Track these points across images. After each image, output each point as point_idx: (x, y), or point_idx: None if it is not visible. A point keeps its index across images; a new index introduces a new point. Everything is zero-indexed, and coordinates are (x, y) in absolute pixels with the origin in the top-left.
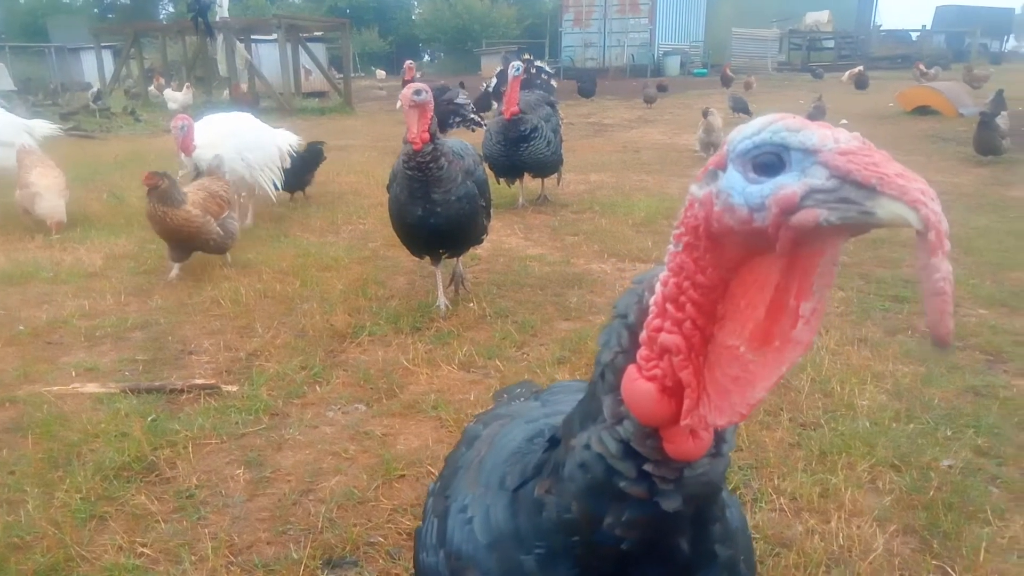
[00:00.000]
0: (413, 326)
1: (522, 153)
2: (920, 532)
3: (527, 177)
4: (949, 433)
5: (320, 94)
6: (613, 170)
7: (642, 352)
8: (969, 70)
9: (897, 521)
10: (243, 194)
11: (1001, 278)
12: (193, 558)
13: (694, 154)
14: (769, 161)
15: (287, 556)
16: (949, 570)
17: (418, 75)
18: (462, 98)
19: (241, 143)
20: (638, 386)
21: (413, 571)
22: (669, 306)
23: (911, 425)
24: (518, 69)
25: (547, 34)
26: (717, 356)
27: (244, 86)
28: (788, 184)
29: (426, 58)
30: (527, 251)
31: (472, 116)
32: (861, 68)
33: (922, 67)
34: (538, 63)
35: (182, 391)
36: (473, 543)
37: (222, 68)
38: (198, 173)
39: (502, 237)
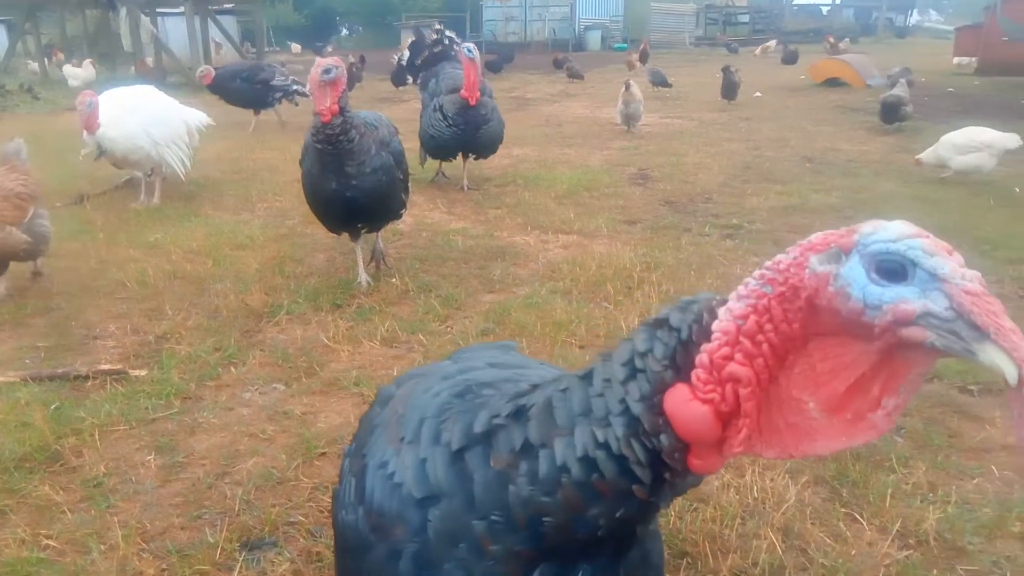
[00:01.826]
0: (333, 303)
1: (480, 136)
2: (830, 482)
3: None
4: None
5: None
6: (536, 144)
7: (700, 375)
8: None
9: (808, 473)
10: (149, 172)
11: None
12: (102, 547)
13: (615, 127)
14: (895, 269)
15: (203, 540)
16: (857, 516)
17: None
18: (279, 79)
19: (145, 118)
20: (692, 407)
21: (334, 536)
22: (745, 340)
23: None
24: (471, 51)
25: (468, 8)
26: (778, 399)
27: (150, 61)
28: (910, 300)
29: (344, 32)
30: (450, 225)
31: (294, 89)
32: (774, 42)
33: (832, 40)
34: (449, 33)
35: (87, 377)
36: (399, 499)
37: (126, 43)
38: (101, 153)
39: (425, 212)
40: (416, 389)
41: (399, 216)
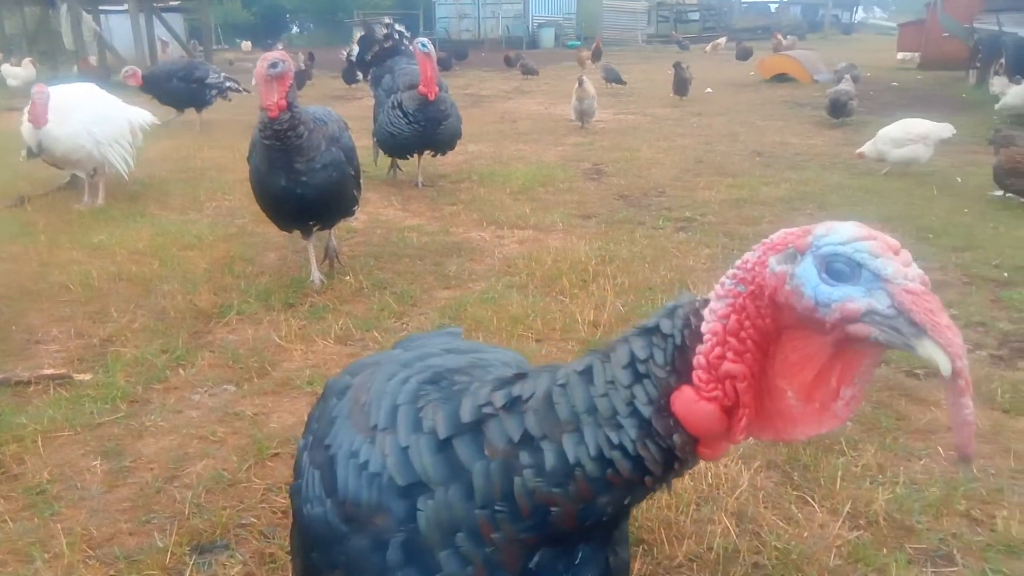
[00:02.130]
0: (285, 302)
1: (440, 133)
2: (782, 466)
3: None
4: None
5: None
6: (491, 140)
7: (701, 376)
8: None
9: (761, 458)
10: (92, 172)
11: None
12: (47, 555)
13: (569, 123)
14: (843, 270)
15: (151, 545)
16: (809, 499)
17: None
18: (212, 77)
19: (87, 116)
20: (700, 407)
21: (291, 535)
22: (731, 339)
23: None
24: (425, 45)
25: (421, 5)
26: (767, 387)
27: (93, 60)
28: (855, 299)
29: (295, 30)
30: (405, 222)
31: (228, 85)
32: (724, 39)
33: (780, 37)
34: (399, 27)
35: (29, 383)
36: (379, 488)
37: (68, 41)
38: (38, 152)
39: (379, 209)
40: (376, 377)
41: (351, 213)
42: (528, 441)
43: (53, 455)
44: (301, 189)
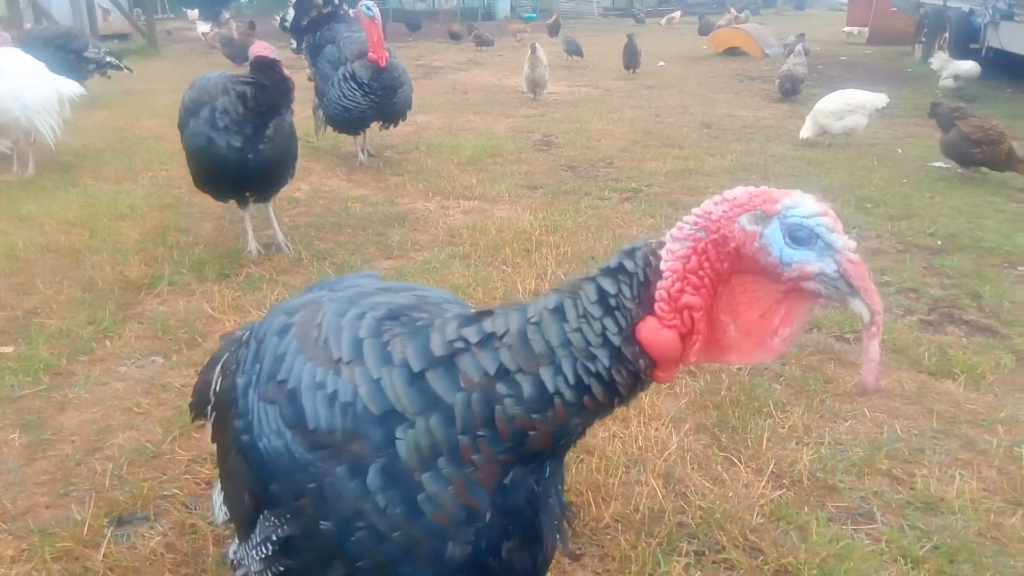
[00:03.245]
0: (220, 273)
1: (396, 101)
2: (711, 429)
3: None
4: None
5: (123, 36)
6: (441, 111)
7: (663, 307)
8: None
9: (691, 421)
10: (19, 140)
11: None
12: None
13: (522, 95)
14: (804, 236)
15: (68, 518)
16: (735, 460)
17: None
18: (92, 51)
19: (15, 82)
20: (663, 334)
21: (232, 480)
22: (691, 276)
23: None
24: (370, 8)
25: None
26: (711, 320)
27: (28, 26)
28: (812, 262)
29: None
30: (349, 192)
31: (108, 61)
32: (679, 13)
33: (733, 11)
34: None
35: None
36: (354, 416)
37: (1, 6)
38: None
39: (323, 179)
40: (325, 314)
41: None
42: (504, 374)
43: None
44: (257, 156)
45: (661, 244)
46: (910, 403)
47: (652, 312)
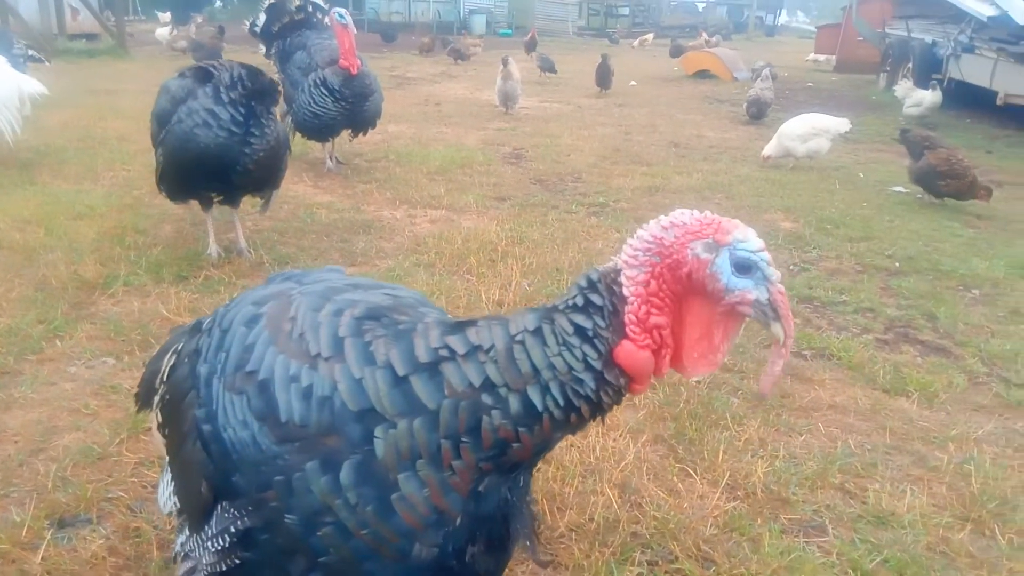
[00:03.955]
0: (178, 275)
1: (367, 108)
2: (668, 440)
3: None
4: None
5: (92, 36)
6: (412, 121)
7: (635, 330)
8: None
9: (649, 432)
10: None
11: (755, 219)
12: None
13: (494, 108)
14: (746, 266)
15: (6, 520)
16: (691, 471)
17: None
18: (17, 48)
19: None
20: (640, 355)
21: (179, 478)
22: (653, 298)
23: None
24: (343, 16)
25: None
26: (674, 337)
27: None
28: (751, 290)
29: (218, 3)
30: (315, 198)
31: (30, 54)
32: (652, 35)
33: (705, 36)
34: None
35: None
36: (331, 412)
37: None
38: None
39: (289, 184)
40: (299, 308)
41: (277, 186)
42: (490, 387)
43: None
44: (251, 149)
45: (617, 271)
46: (864, 419)
47: (625, 335)
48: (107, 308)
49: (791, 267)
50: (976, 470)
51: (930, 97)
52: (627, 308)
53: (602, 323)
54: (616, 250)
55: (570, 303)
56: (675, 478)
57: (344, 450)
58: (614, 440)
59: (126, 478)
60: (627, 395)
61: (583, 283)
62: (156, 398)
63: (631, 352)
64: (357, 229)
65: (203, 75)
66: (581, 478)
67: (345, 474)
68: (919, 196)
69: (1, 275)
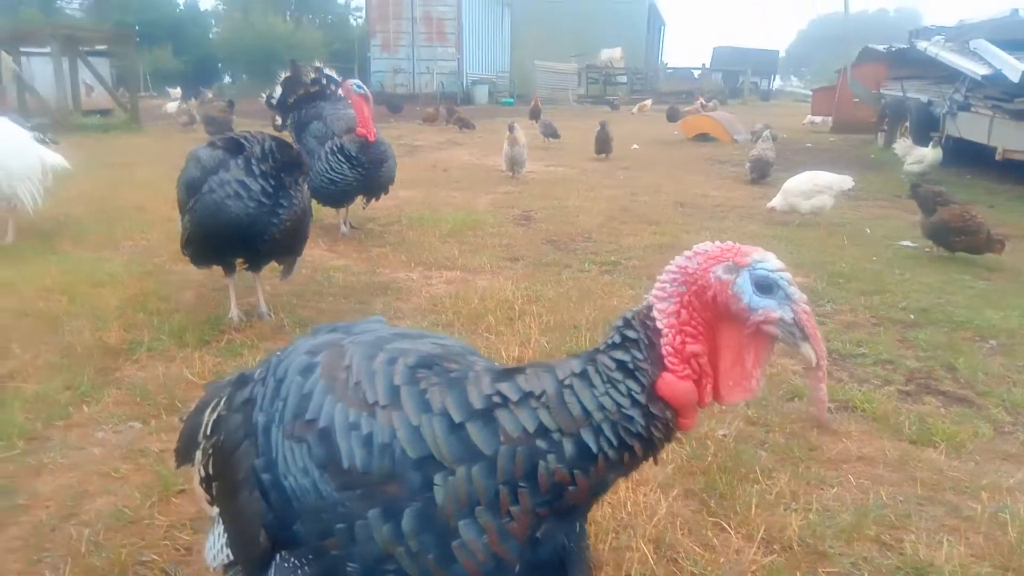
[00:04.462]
0: (201, 339)
1: (382, 175)
2: (699, 494)
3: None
4: (724, 407)
5: (106, 112)
6: (422, 187)
7: (673, 361)
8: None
9: (679, 486)
10: (2, 205)
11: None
12: None
13: (501, 173)
14: (768, 286)
15: None
16: (725, 525)
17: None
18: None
19: (1, 148)
20: (681, 385)
21: (233, 529)
22: (686, 327)
23: None
24: (360, 87)
25: (356, 59)
26: (712, 365)
27: (12, 100)
28: (774, 309)
29: (227, 79)
30: (331, 262)
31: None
32: (650, 101)
33: (702, 100)
34: (329, 72)
35: None
36: (392, 459)
37: None
38: None
39: (305, 249)
40: (353, 357)
41: (300, 252)
42: (544, 432)
43: None
44: (277, 218)
45: (649, 307)
46: (894, 470)
47: (664, 368)
48: (132, 373)
49: None
50: (1012, 519)
51: (931, 154)
52: (663, 340)
53: (640, 355)
54: (632, 306)
55: (609, 342)
56: (709, 532)
57: (405, 497)
58: (644, 495)
59: (159, 541)
60: (677, 431)
61: (619, 323)
62: (199, 453)
63: (672, 383)
64: (374, 291)
65: (235, 146)
66: (615, 534)
67: (407, 521)
68: (927, 250)
69: (27, 342)
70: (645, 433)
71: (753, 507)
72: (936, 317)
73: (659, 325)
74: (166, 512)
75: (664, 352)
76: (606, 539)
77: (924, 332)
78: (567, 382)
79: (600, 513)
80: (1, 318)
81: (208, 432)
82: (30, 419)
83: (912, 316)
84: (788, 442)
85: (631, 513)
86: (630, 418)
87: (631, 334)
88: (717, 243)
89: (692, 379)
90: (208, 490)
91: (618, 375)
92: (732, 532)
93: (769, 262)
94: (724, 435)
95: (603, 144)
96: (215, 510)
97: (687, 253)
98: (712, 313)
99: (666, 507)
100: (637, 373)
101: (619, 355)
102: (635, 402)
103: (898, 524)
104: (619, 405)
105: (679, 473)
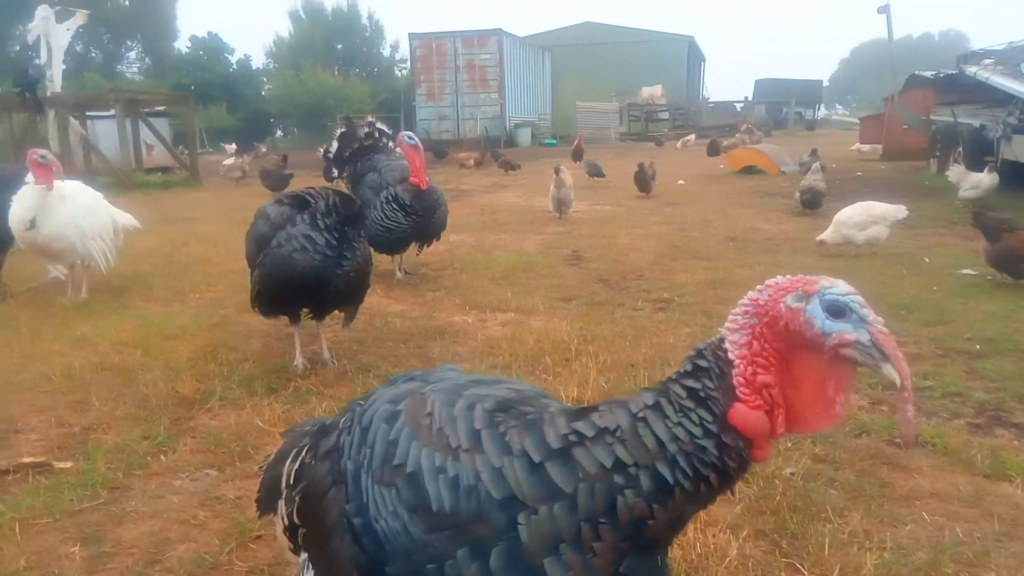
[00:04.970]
0: (268, 387)
1: (435, 221)
2: (770, 535)
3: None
4: (790, 444)
5: (165, 169)
6: (472, 231)
7: (745, 391)
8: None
9: (748, 527)
10: (77, 263)
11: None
12: None
13: (548, 214)
14: (840, 310)
15: None
16: (799, 566)
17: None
18: None
19: (74, 208)
20: (752, 415)
21: (332, 570)
22: (758, 358)
23: None
24: (412, 138)
25: (402, 108)
26: (784, 396)
27: (79, 163)
28: (849, 332)
29: (279, 133)
30: (388, 308)
31: None
32: (693, 136)
33: (747, 127)
34: (379, 125)
35: (8, 472)
36: (478, 500)
37: (54, 145)
38: (32, 225)
39: None
40: (434, 404)
41: (361, 300)
42: (621, 467)
43: (30, 542)
44: (341, 269)
45: (722, 339)
46: (969, 506)
47: (736, 398)
48: (206, 422)
49: None
50: None
51: (987, 179)
52: (735, 371)
53: (711, 384)
54: (688, 345)
55: (681, 371)
56: (783, 573)
57: (492, 537)
58: (713, 536)
59: None
60: (750, 461)
61: (692, 353)
62: (281, 502)
63: (744, 413)
64: (431, 335)
65: (300, 202)
66: None
67: (494, 560)
68: (989, 277)
69: (105, 395)
70: (719, 463)
71: (826, 547)
72: (1003, 347)
73: (731, 356)
74: (244, 558)
75: (736, 383)
76: None
77: (992, 362)
78: (640, 415)
79: (670, 555)
80: (81, 372)
81: (291, 481)
82: (112, 469)
83: (978, 346)
84: (859, 479)
85: (701, 555)
86: (704, 448)
87: (703, 363)
88: (788, 276)
89: (764, 409)
90: (292, 538)
91: (690, 403)
92: (806, 573)
93: (839, 287)
94: (791, 473)
95: (643, 183)
96: (302, 557)
97: (759, 287)
98: (785, 343)
99: (736, 548)
100: (709, 402)
101: (690, 383)
102: (708, 432)
103: (976, 562)
104: (692, 435)
105: (748, 513)
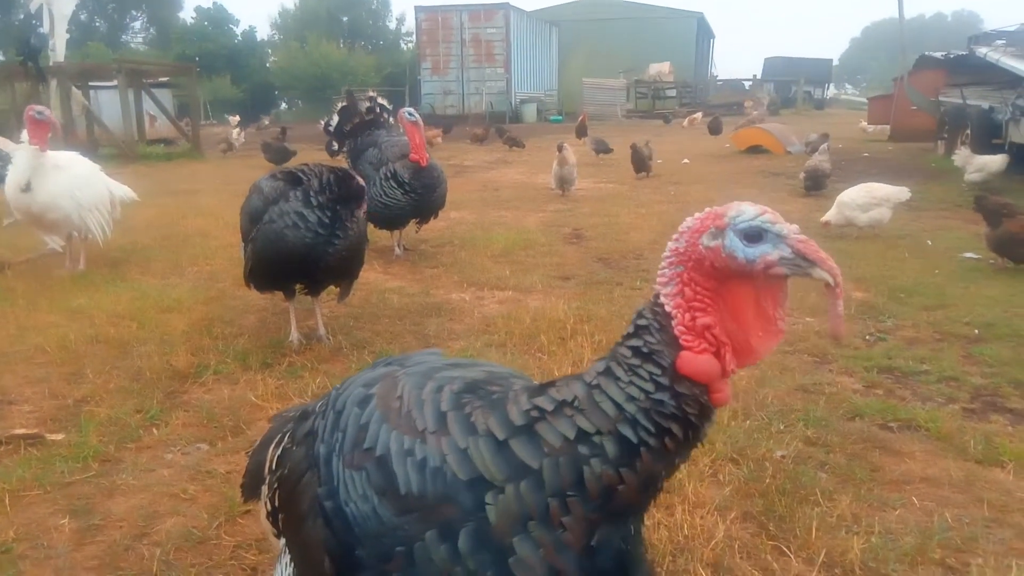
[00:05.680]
0: (263, 362)
1: (434, 198)
2: (758, 517)
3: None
4: (782, 427)
5: (168, 141)
6: (473, 207)
7: (687, 337)
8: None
9: (736, 509)
10: (74, 235)
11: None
12: None
13: (550, 191)
14: (755, 234)
15: None
16: (785, 549)
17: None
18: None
19: (71, 179)
20: (700, 359)
21: (300, 557)
22: (693, 303)
23: (747, 422)
24: (412, 114)
25: (407, 82)
26: (727, 332)
27: (82, 133)
28: (770, 252)
29: (283, 106)
30: (386, 284)
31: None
32: (700, 114)
33: (752, 102)
34: (381, 100)
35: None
36: (444, 482)
37: (57, 115)
38: (27, 187)
39: (360, 272)
40: (404, 387)
41: (356, 276)
42: (584, 437)
43: (20, 514)
44: (334, 246)
45: (657, 295)
46: (959, 491)
47: (680, 347)
48: (199, 396)
49: (867, 337)
50: None
51: (993, 162)
52: (674, 322)
53: (652, 339)
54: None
55: (624, 335)
56: (769, 556)
57: (460, 518)
58: (701, 517)
59: (226, 561)
60: (712, 407)
61: (633, 317)
62: (264, 488)
63: (691, 359)
64: (428, 312)
65: (294, 179)
66: (671, 557)
67: (463, 541)
68: (991, 262)
69: (99, 367)
70: (679, 413)
71: (813, 530)
72: (1002, 332)
73: (667, 308)
74: (232, 532)
75: (677, 332)
76: (663, 563)
77: (989, 347)
78: (594, 383)
79: (657, 536)
80: (76, 344)
81: (273, 467)
82: (103, 441)
83: (977, 331)
84: (849, 463)
85: (688, 536)
86: (660, 401)
87: (642, 322)
88: (696, 215)
89: (710, 351)
90: (275, 523)
91: (636, 361)
92: (792, 556)
93: (747, 212)
94: (782, 456)
95: (640, 163)
96: (282, 542)
97: (674, 235)
98: (716, 281)
99: (724, 530)
100: (654, 356)
101: (633, 342)
102: (659, 385)
103: (964, 547)
104: (646, 392)
105: (737, 495)
